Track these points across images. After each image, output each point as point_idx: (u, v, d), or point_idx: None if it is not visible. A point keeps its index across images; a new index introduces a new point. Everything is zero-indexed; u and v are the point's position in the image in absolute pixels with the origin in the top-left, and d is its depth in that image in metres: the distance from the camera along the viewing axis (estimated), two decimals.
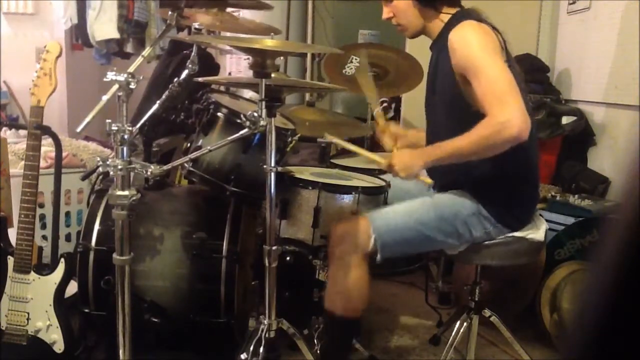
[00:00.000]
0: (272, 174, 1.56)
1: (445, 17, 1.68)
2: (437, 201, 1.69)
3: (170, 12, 1.60)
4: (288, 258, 1.92)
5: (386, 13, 1.76)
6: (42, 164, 2.11)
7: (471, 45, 1.55)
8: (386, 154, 1.75)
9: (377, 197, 1.81)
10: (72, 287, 1.89)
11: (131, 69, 1.38)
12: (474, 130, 1.48)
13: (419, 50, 2.32)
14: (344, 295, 1.65)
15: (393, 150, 1.73)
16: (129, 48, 3.48)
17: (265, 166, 1.56)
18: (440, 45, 1.68)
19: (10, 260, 1.79)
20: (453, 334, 1.88)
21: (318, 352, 1.84)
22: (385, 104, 2.86)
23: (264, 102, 1.42)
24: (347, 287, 1.63)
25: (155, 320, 1.79)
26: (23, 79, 3.14)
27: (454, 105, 1.66)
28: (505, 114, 1.45)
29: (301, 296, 1.99)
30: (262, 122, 1.39)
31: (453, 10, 1.68)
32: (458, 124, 1.63)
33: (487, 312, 1.91)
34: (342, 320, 1.69)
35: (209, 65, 2.90)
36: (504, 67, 1.52)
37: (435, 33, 1.72)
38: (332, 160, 2.42)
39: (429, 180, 1.63)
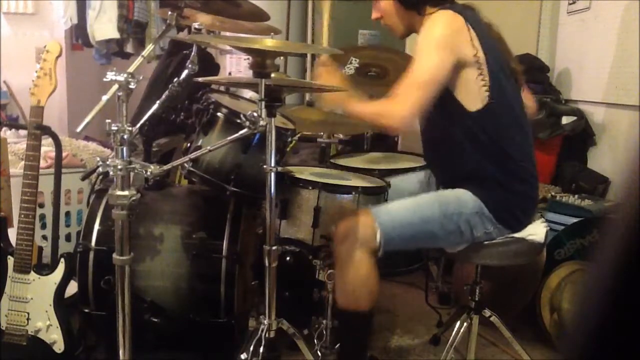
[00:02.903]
0: (272, 174, 1.56)
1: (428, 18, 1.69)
2: (441, 198, 1.70)
3: (170, 12, 1.60)
4: (288, 258, 1.92)
5: (375, 14, 1.80)
6: (42, 164, 2.11)
7: (426, 32, 1.60)
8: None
9: (377, 197, 1.81)
10: (72, 287, 1.89)
11: (131, 69, 1.38)
12: (374, 104, 1.62)
13: None
14: (355, 291, 1.64)
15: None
16: (129, 48, 3.49)
17: (265, 166, 1.56)
18: None
19: (10, 260, 1.79)
20: (453, 334, 1.88)
21: (318, 352, 1.84)
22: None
23: (264, 102, 1.42)
24: (356, 283, 1.63)
25: (155, 320, 1.79)
26: (23, 79, 3.14)
27: (444, 103, 1.66)
28: (396, 104, 1.55)
29: (301, 296, 1.98)
30: (262, 122, 1.39)
31: (437, 9, 1.68)
32: (447, 121, 1.64)
33: (487, 312, 1.91)
34: (355, 317, 1.69)
35: (209, 65, 2.90)
36: (434, 65, 1.56)
37: None
38: (332, 160, 2.42)
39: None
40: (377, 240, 1.60)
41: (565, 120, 2.91)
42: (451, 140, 1.67)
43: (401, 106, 1.55)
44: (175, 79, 1.76)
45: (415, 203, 1.68)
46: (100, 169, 1.36)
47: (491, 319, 1.91)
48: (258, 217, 2.09)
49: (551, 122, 2.89)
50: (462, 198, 1.68)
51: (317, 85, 1.74)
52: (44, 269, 1.81)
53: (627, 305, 0.36)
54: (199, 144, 1.77)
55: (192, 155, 1.59)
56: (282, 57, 2.89)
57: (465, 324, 1.88)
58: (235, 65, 3.89)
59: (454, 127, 1.61)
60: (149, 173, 1.36)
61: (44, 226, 2.43)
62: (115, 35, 3.35)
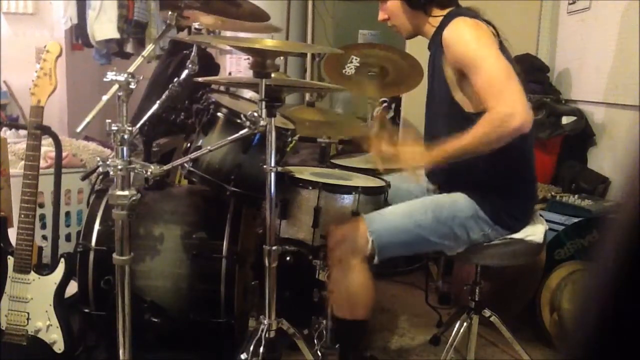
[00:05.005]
0: (272, 174, 1.56)
1: (435, 20, 1.70)
2: (435, 203, 1.69)
3: (170, 12, 1.61)
4: (288, 258, 1.92)
5: (381, 15, 1.79)
6: (42, 164, 2.11)
7: (465, 39, 1.55)
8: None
9: (377, 197, 1.80)
10: (72, 287, 1.89)
11: (131, 69, 1.38)
12: (477, 126, 1.48)
13: (419, 50, 2.31)
14: (350, 299, 1.65)
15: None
16: (129, 48, 3.49)
17: (265, 166, 1.56)
18: (435, 45, 1.69)
19: (10, 260, 1.79)
20: (453, 334, 1.88)
21: (318, 352, 1.84)
22: (385, 104, 2.86)
23: (264, 102, 1.42)
24: (351, 290, 1.63)
25: (155, 320, 1.79)
26: (23, 79, 3.14)
27: (447, 105, 1.67)
28: (506, 107, 1.44)
29: (301, 296, 1.99)
30: (262, 122, 1.39)
31: (445, 12, 1.69)
32: (450, 124, 1.63)
33: (487, 312, 1.91)
34: (351, 324, 1.69)
35: (209, 65, 2.90)
36: (500, 57, 1.52)
37: (429, 34, 1.74)
38: (332, 160, 2.42)
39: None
40: (369, 248, 1.60)
41: (565, 120, 2.91)
42: None
43: (511, 103, 1.44)
44: (175, 79, 1.76)
45: (409, 209, 1.68)
46: (100, 169, 1.36)
47: (491, 319, 1.91)
48: (258, 217, 2.09)
49: (551, 122, 2.89)
50: (456, 202, 1.67)
51: (318, 85, 1.74)
52: (44, 269, 1.81)
53: (627, 305, 0.36)
54: (199, 144, 1.77)
55: (192, 155, 1.59)
56: (282, 57, 2.90)
57: (465, 324, 1.88)
58: (235, 65, 3.89)
59: (453, 129, 1.60)
60: (149, 173, 1.36)
61: (44, 226, 2.43)
62: (115, 35, 3.34)
